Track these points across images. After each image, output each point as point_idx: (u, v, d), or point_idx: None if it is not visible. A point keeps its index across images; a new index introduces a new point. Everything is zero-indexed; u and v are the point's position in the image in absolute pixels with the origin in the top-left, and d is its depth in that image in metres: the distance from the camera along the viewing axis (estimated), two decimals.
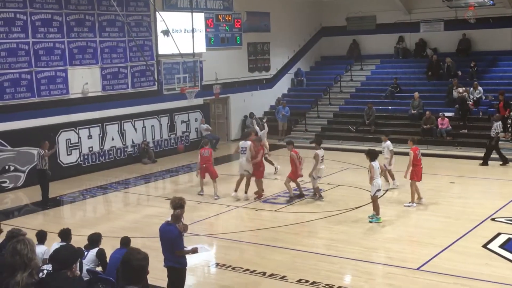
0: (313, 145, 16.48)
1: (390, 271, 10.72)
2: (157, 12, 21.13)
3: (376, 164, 13.71)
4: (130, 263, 4.23)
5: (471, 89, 23.66)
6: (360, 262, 11.38)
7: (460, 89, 23.63)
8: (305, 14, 29.93)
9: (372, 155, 13.80)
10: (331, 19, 30.38)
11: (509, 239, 12.12)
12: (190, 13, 22.55)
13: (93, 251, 9.23)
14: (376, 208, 13.76)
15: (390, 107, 25.65)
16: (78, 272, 5.36)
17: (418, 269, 10.77)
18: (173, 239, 8.64)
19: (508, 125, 21.72)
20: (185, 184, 19.48)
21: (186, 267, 8.97)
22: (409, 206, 14.85)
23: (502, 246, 11.72)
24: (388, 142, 16.78)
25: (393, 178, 16.75)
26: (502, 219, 13.48)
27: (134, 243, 9.46)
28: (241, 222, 14.48)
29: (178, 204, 8.78)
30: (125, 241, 9.33)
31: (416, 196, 15.01)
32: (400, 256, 11.42)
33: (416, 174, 14.86)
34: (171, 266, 8.82)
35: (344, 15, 30.00)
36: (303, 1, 29.80)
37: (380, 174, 14.11)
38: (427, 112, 23.24)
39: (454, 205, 15.07)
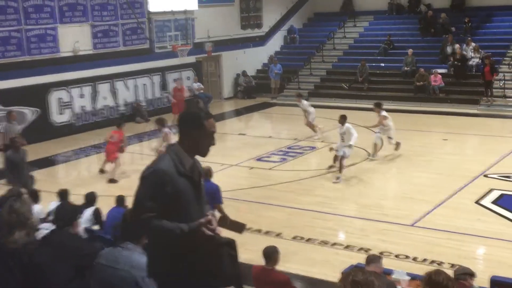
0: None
1: (384, 228, 10.84)
2: None
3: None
4: (130, 220, 4.25)
5: (464, 45, 23.53)
6: (354, 219, 11.50)
7: (457, 45, 23.46)
8: None
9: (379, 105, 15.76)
10: None
11: (501, 195, 12.25)
12: None
13: (89, 210, 9.28)
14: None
15: (383, 64, 25.50)
16: (80, 228, 5.43)
17: (411, 225, 10.90)
18: (214, 192, 9.02)
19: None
20: None
21: None
22: None
23: (494, 202, 11.85)
24: (304, 102, 18.50)
25: (314, 131, 18.08)
26: (495, 175, 13.58)
27: (129, 202, 9.50)
28: (236, 180, 14.51)
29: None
30: (120, 199, 9.38)
31: None
32: (394, 213, 11.53)
33: None
34: None
35: None
36: None
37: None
38: (421, 69, 23.14)
39: (447, 162, 15.15)
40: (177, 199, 3.92)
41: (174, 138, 14.17)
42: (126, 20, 21.59)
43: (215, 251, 4.07)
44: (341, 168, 13.72)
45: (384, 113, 15.53)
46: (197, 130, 4.03)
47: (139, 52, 22.12)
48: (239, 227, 9.64)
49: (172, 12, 21.28)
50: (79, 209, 5.74)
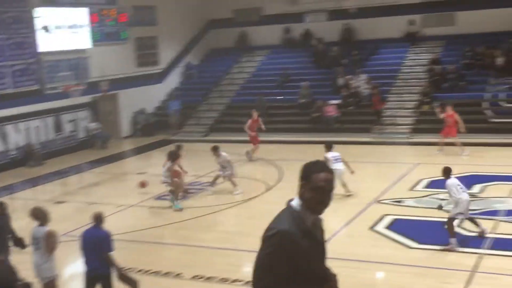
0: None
1: None
2: (36, 8, 20.21)
3: None
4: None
5: (355, 76, 24.55)
6: (255, 253, 11.44)
7: (348, 77, 24.42)
8: (192, 7, 29.70)
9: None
10: (218, 11, 30.36)
11: (394, 219, 12.70)
12: (72, 8, 21.74)
13: None
14: None
15: (280, 97, 26.08)
16: None
17: None
18: (103, 239, 8.52)
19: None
20: (75, 185, 18.88)
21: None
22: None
23: (387, 227, 12.25)
24: (224, 154, 16.08)
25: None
26: (387, 201, 14.08)
27: (21, 250, 9.09)
28: (135, 221, 14.20)
29: (33, 215, 8.98)
30: None
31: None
32: None
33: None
34: (101, 273, 8.54)
35: (231, 7, 30.08)
36: None
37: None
38: (318, 101, 23.81)
39: (342, 190, 15.53)
40: (301, 259, 3.78)
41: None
42: (15, 61, 20.83)
43: None
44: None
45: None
46: (303, 182, 3.86)
47: (30, 94, 21.36)
48: (133, 285, 9.33)
49: (64, 52, 20.78)
50: None
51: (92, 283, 8.70)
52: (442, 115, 19.14)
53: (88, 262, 8.64)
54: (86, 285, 8.75)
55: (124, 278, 8.90)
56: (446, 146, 18.94)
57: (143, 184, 16.69)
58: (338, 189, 14.49)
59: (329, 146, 14.96)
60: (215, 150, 16.05)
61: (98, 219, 8.76)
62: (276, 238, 3.72)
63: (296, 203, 3.87)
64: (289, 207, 3.88)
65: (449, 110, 19.05)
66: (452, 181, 11.12)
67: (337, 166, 14.23)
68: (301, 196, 3.85)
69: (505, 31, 24.54)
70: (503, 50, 23.59)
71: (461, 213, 10.98)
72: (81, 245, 8.76)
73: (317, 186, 3.78)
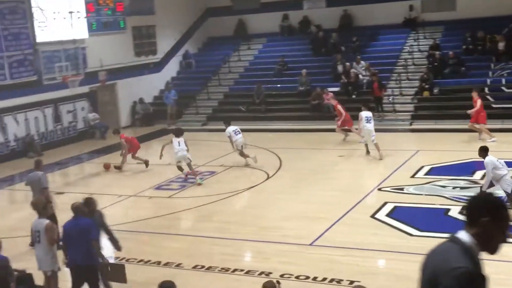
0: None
1: (284, 249, 10.86)
2: None
3: None
4: None
5: (354, 63, 24.39)
6: (254, 242, 11.45)
7: (347, 64, 24.26)
8: None
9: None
10: None
11: (395, 207, 12.63)
12: None
13: None
14: None
15: (278, 85, 25.94)
16: None
17: (311, 244, 10.98)
18: (88, 227, 8.46)
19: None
20: (76, 175, 18.82)
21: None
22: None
23: (388, 215, 12.17)
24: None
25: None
26: (388, 189, 14.00)
27: (19, 242, 9.03)
28: (135, 211, 14.15)
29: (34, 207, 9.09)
30: None
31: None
32: (294, 233, 11.59)
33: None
34: (87, 265, 8.48)
35: None
36: None
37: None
38: (317, 88, 23.64)
39: (343, 178, 15.50)
40: None
41: None
42: (12, 52, 20.67)
43: None
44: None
45: None
46: (487, 219, 3.40)
47: (28, 85, 21.21)
48: (120, 273, 9.14)
49: (61, 42, 20.62)
50: None
51: (79, 275, 8.58)
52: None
53: (73, 255, 8.52)
54: (73, 277, 8.65)
55: (112, 270, 8.87)
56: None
57: (107, 166, 18.14)
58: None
59: (366, 106, 17.47)
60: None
61: (78, 210, 8.60)
62: (465, 277, 3.29)
63: (466, 238, 3.44)
64: (458, 242, 3.44)
65: (474, 96, 18.72)
66: (491, 159, 11.32)
67: (369, 126, 16.55)
68: (483, 233, 3.43)
69: (505, 16, 24.35)
70: (503, 34, 23.40)
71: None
72: (64, 238, 8.60)
73: (506, 226, 3.44)
